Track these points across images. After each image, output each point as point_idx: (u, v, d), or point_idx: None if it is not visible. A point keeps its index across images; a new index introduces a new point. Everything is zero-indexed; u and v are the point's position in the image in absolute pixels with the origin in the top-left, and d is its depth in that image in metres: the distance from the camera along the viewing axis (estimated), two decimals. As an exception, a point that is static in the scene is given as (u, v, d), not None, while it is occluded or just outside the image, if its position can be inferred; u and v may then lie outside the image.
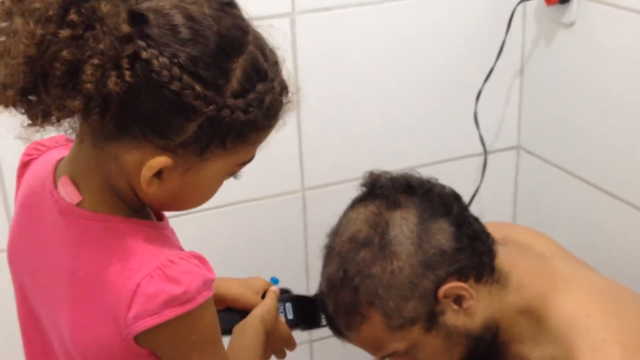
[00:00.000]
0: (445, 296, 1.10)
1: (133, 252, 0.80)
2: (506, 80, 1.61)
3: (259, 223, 1.51)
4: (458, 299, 1.11)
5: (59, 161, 0.89)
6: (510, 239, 1.30)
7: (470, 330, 1.13)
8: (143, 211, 0.86)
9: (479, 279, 1.12)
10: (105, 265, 0.80)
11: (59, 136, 0.94)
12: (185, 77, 0.74)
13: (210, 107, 0.76)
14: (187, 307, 0.79)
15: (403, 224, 1.10)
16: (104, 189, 0.82)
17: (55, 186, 0.85)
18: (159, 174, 0.79)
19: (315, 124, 1.49)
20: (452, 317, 1.12)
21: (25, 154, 0.96)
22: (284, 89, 0.84)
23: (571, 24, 1.45)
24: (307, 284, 1.59)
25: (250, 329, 1.09)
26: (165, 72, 0.73)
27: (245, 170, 1.44)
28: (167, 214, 0.92)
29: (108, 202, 0.83)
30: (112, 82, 0.72)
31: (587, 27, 1.42)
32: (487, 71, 1.56)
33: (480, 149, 1.63)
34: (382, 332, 1.12)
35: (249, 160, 0.87)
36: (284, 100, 0.84)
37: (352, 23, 1.46)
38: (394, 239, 1.10)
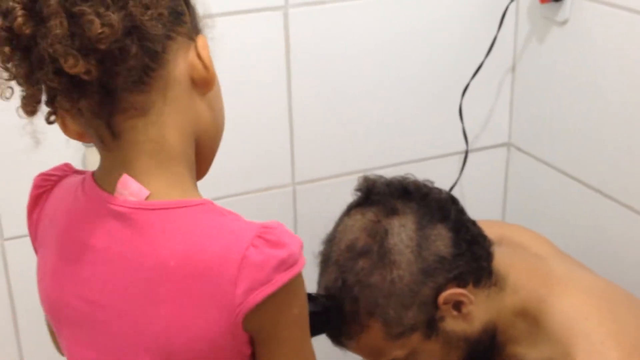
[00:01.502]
0: (445, 302, 1.10)
1: (223, 228, 0.78)
2: (498, 77, 1.61)
3: (248, 217, 1.50)
4: (457, 305, 1.11)
5: (92, 175, 0.84)
6: (506, 238, 1.30)
7: (469, 335, 1.13)
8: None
9: (477, 283, 1.12)
10: (199, 248, 0.76)
11: (65, 164, 0.93)
12: None
13: None
14: (295, 270, 0.77)
15: (402, 232, 1.10)
16: (166, 170, 0.80)
17: (109, 193, 0.80)
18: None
19: (306, 118, 1.49)
20: (452, 323, 1.12)
21: (36, 186, 0.92)
22: None
23: (564, 22, 1.45)
24: (296, 278, 1.58)
25: None
26: None
27: (236, 163, 1.45)
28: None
29: (176, 185, 0.80)
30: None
31: (581, 25, 1.42)
32: (477, 68, 1.56)
33: (469, 146, 1.63)
34: (382, 340, 1.11)
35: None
36: None
37: (345, 17, 1.46)
38: (393, 247, 1.09)
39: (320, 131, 1.51)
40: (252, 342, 0.80)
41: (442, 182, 1.60)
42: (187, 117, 0.81)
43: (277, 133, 1.48)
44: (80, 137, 0.83)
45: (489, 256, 1.15)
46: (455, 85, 1.57)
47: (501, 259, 1.17)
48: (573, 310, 1.11)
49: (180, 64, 0.79)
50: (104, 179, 0.82)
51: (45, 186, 0.91)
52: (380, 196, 1.13)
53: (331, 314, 1.14)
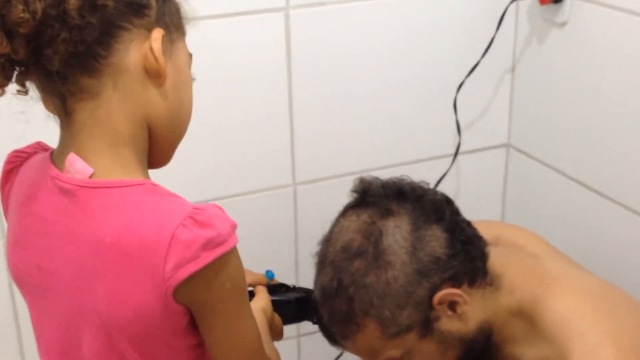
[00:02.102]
0: (440, 303, 1.11)
1: (158, 208, 0.83)
2: (497, 78, 1.62)
3: (249, 217, 1.51)
4: (452, 305, 1.12)
5: (52, 154, 0.89)
6: (503, 238, 1.30)
7: (465, 335, 1.14)
8: (148, 175, 0.89)
9: (472, 283, 1.13)
10: (132, 226, 0.81)
11: (37, 142, 0.97)
12: None
13: None
14: (223, 249, 0.82)
15: (396, 233, 1.10)
16: (113, 151, 0.84)
17: (60, 171, 0.85)
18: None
19: (307, 119, 1.49)
20: (447, 323, 1.12)
21: (7, 162, 0.97)
22: None
23: (564, 24, 1.46)
24: (297, 278, 1.59)
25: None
26: None
27: (237, 163, 1.46)
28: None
29: (120, 166, 0.85)
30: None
31: (580, 27, 1.43)
32: (477, 69, 1.56)
33: (468, 147, 1.64)
34: (378, 340, 1.12)
35: (190, 57, 0.92)
36: None
37: (345, 18, 1.46)
38: (388, 248, 1.10)
39: (321, 132, 1.52)
40: (190, 313, 0.86)
41: (441, 183, 1.62)
42: (137, 105, 0.85)
43: (278, 133, 1.49)
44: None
45: (483, 256, 1.15)
46: (456, 85, 1.58)
47: (497, 259, 1.17)
48: (568, 310, 1.11)
49: (133, 53, 0.83)
50: (58, 156, 0.88)
51: (16, 162, 0.96)
52: (376, 197, 1.14)
53: (301, 303, 1.21)
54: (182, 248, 0.80)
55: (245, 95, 1.44)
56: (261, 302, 1.16)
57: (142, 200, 0.83)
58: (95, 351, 0.88)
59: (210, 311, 0.86)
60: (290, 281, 1.58)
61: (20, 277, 0.94)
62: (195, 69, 1.34)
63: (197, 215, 0.81)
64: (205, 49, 1.37)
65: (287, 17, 1.42)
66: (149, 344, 0.86)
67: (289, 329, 1.61)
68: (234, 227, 0.84)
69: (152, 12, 0.84)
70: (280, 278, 1.58)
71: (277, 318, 1.18)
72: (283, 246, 1.57)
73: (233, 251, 0.84)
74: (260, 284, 1.21)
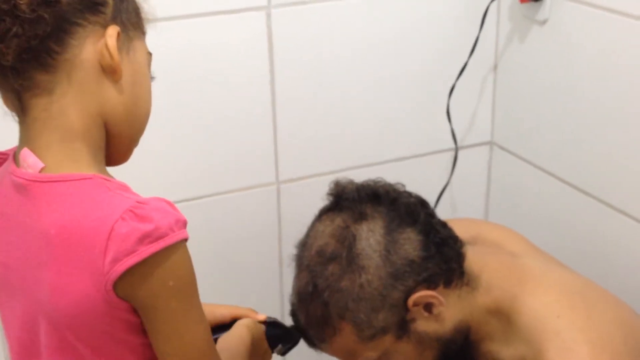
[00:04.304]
0: (415, 304, 1.11)
1: (101, 202, 0.83)
2: (480, 76, 1.62)
3: (232, 216, 1.51)
4: (428, 306, 1.12)
5: (13, 154, 0.90)
6: (481, 237, 1.31)
7: (442, 335, 1.15)
8: (104, 171, 0.89)
9: (448, 284, 1.14)
10: (75, 219, 0.82)
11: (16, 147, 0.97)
12: None
13: None
14: (161, 244, 0.81)
15: (370, 237, 1.11)
16: (64, 146, 0.85)
17: (17, 166, 0.87)
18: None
19: (290, 117, 1.49)
20: (423, 324, 1.13)
21: None
22: None
23: (544, 22, 1.46)
24: (280, 277, 1.59)
25: (236, 335, 1.11)
26: None
27: (220, 162, 1.46)
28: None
29: (71, 160, 0.85)
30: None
31: (560, 25, 1.44)
32: (460, 67, 1.57)
33: (452, 145, 1.64)
34: (354, 342, 1.13)
35: (150, 56, 0.92)
36: None
37: (328, 17, 1.46)
38: (362, 252, 1.11)
39: (304, 130, 1.52)
40: (136, 311, 0.85)
41: (428, 180, 1.63)
42: (93, 100, 0.85)
43: (261, 132, 1.49)
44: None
45: (459, 257, 1.16)
46: (438, 84, 1.58)
47: (474, 258, 1.18)
48: (545, 308, 1.12)
49: (88, 49, 0.84)
50: (17, 153, 0.88)
51: None
52: (350, 202, 1.15)
53: (284, 337, 1.20)
54: (120, 241, 0.80)
55: (228, 94, 1.44)
56: (247, 320, 1.15)
57: (88, 193, 0.83)
58: (51, 346, 0.88)
59: (151, 309, 0.84)
60: (274, 280, 1.59)
61: None
62: (176, 68, 1.36)
63: (137, 209, 0.81)
64: (186, 48, 1.38)
65: (268, 16, 1.42)
66: (98, 339, 0.86)
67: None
68: (179, 222, 0.83)
69: (108, 10, 0.85)
70: (263, 278, 1.59)
71: (264, 340, 1.18)
72: (267, 244, 1.57)
73: (177, 246, 0.83)
74: (245, 316, 1.18)
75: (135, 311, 0.85)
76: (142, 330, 0.87)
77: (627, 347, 1.10)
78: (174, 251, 0.83)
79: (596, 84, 1.38)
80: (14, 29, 0.79)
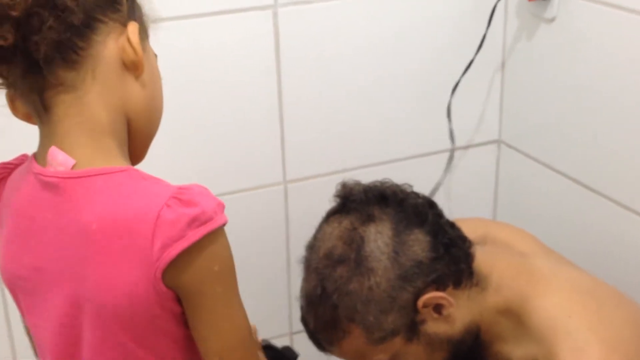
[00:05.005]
0: (425, 306, 1.11)
1: (140, 191, 0.83)
2: (487, 75, 1.62)
3: (239, 216, 1.51)
4: (438, 308, 1.12)
5: (34, 156, 0.90)
6: (490, 237, 1.30)
7: (452, 336, 1.14)
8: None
9: (457, 285, 1.13)
10: (117, 210, 0.82)
11: (22, 155, 0.97)
12: None
13: None
14: (209, 227, 0.81)
15: (378, 239, 1.11)
16: (93, 141, 0.85)
17: (43, 167, 0.86)
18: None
19: (297, 116, 1.49)
20: (433, 326, 1.13)
21: None
22: None
23: (552, 19, 1.46)
24: (288, 276, 1.59)
25: None
26: None
27: (227, 162, 1.46)
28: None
29: (101, 154, 0.85)
30: None
31: (568, 22, 1.43)
32: (467, 66, 1.56)
33: (460, 143, 1.64)
34: (364, 345, 1.13)
35: (155, 58, 0.93)
36: None
37: (335, 16, 1.46)
38: (370, 254, 1.10)
39: (311, 129, 1.52)
40: (179, 301, 0.85)
41: (431, 180, 1.62)
42: (116, 96, 0.86)
43: (268, 131, 1.49)
44: (27, 118, 0.89)
45: (468, 258, 1.15)
46: (446, 82, 1.58)
47: (483, 258, 1.17)
48: (556, 308, 1.11)
49: (110, 46, 0.85)
50: (40, 154, 0.88)
51: (3, 173, 0.96)
52: (357, 204, 1.14)
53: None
54: (168, 227, 0.80)
55: (235, 94, 1.43)
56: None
57: (126, 185, 0.83)
58: (95, 347, 0.88)
59: (197, 295, 0.84)
60: (281, 280, 1.59)
61: (14, 281, 0.93)
62: (182, 67, 1.36)
63: (181, 195, 0.81)
64: (193, 47, 1.38)
65: (275, 15, 1.41)
66: (145, 330, 0.86)
67: (281, 326, 1.62)
68: (220, 206, 0.83)
69: (124, 8, 0.86)
70: (271, 278, 1.58)
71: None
72: (274, 244, 1.57)
73: (221, 230, 0.83)
74: None
75: (179, 300, 0.85)
76: (185, 322, 0.87)
77: (639, 347, 1.09)
78: (219, 235, 0.83)
79: (604, 82, 1.38)
80: (50, 21, 0.79)
